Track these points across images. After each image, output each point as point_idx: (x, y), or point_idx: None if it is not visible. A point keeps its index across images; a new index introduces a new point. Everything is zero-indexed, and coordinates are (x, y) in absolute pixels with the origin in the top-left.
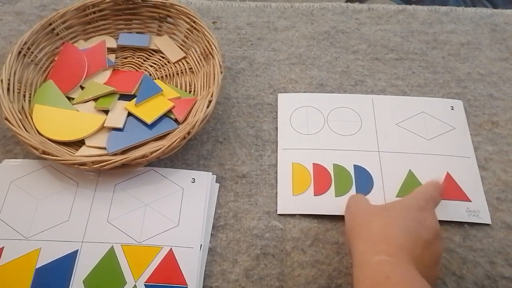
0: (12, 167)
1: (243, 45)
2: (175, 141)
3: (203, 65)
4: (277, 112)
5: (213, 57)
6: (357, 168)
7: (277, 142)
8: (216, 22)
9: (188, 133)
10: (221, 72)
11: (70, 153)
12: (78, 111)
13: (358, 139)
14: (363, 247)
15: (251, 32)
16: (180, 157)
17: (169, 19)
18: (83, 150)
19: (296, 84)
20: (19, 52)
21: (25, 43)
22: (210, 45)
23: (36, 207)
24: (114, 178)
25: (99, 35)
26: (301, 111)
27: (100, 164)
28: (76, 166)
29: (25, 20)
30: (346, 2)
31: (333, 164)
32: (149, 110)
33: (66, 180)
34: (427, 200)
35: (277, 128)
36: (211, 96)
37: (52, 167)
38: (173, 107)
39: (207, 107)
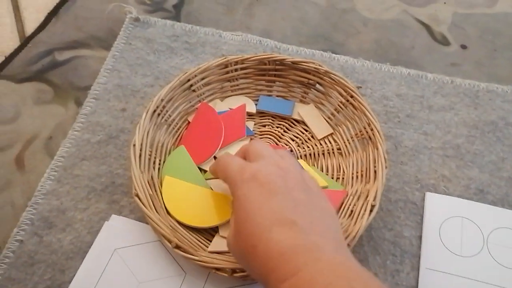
0: (120, 230)
1: (389, 120)
2: None
3: (356, 149)
4: (422, 216)
5: (374, 144)
6: None
7: (419, 257)
8: (361, 87)
9: (348, 245)
10: (386, 167)
11: (202, 245)
12: (211, 189)
13: None
14: None
15: (400, 105)
16: None
17: (318, 87)
18: (217, 244)
19: (450, 184)
20: (154, 111)
21: (162, 100)
22: (372, 129)
23: None
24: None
25: (236, 94)
26: (454, 221)
27: (242, 274)
28: (214, 271)
29: (155, 49)
30: None
31: None
32: None
33: (173, 265)
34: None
35: (421, 238)
36: (374, 199)
37: (161, 243)
38: None
39: (370, 211)
